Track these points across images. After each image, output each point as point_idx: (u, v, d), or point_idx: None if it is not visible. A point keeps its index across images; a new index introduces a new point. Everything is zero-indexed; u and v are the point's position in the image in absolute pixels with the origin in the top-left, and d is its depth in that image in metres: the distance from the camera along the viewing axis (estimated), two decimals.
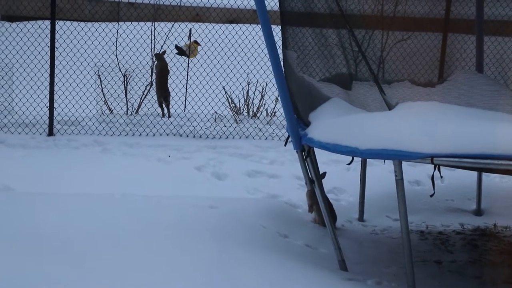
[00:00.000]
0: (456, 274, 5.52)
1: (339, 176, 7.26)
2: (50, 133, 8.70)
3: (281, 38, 5.70)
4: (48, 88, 8.95)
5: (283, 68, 5.41)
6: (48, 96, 8.91)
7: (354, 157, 5.50)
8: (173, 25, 10.67)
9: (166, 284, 4.24)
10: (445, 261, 5.77)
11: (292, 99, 5.37)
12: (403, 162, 4.75)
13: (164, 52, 9.83)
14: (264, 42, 5.32)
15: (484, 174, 7.05)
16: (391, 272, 5.40)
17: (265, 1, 5.39)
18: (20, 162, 7.39)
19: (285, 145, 5.78)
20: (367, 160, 6.56)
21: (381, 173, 7.06)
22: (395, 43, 6.96)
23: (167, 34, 10.49)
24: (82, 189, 6.47)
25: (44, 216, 5.29)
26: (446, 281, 5.35)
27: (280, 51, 5.51)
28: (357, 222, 6.62)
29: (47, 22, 9.53)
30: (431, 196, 5.51)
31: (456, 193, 7.29)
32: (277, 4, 5.80)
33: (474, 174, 6.92)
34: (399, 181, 4.69)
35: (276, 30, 5.73)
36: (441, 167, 5.74)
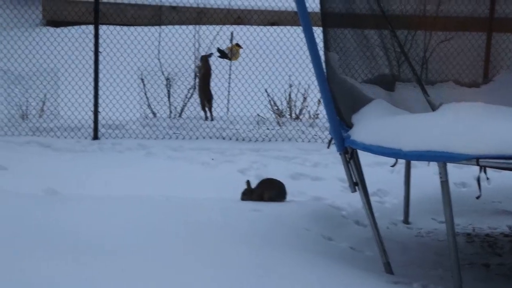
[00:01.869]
0: (504, 277, 5.44)
1: (383, 178, 7.22)
2: (95, 137, 8.81)
3: (322, 40, 5.69)
4: (92, 92, 9.07)
5: (325, 70, 5.39)
6: (92, 101, 9.03)
7: (398, 159, 5.46)
8: (218, 30, 10.72)
9: (208, 286, 4.26)
10: (492, 264, 5.69)
11: (334, 101, 5.35)
12: (448, 163, 4.71)
13: (211, 54, 9.89)
14: (306, 44, 5.32)
15: None
16: (438, 275, 5.34)
17: (306, 3, 5.38)
18: (66, 166, 7.50)
19: (328, 147, 5.77)
20: (412, 161, 6.51)
21: (426, 174, 7.00)
22: (438, 43, 6.91)
23: (209, 37, 10.54)
24: (126, 192, 6.54)
25: (89, 219, 5.35)
26: (493, 284, 5.28)
27: (321, 53, 5.50)
28: (402, 224, 6.57)
29: (91, 27, 9.66)
30: (477, 198, 5.44)
31: (503, 195, 7.20)
32: (318, 5, 5.79)
33: None
34: (444, 183, 4.64)
35: (318, 32, 5.73)
36: (487, 168, 5.67)
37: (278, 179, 6.79)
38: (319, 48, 5.34)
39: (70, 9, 13.17)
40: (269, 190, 6.63)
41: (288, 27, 11.18)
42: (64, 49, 10.13)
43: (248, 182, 6.67)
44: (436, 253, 5.82)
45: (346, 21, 6.00)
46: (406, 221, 6.59)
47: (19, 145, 8.29)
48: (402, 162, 6.40)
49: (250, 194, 6.66)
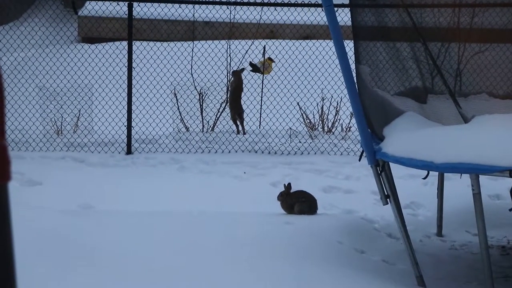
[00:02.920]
0: None
1: (416, 190, 7.21)
2: (128, 151, 8.90)
3: (354, 53, 5.71)
4: (126, 107, 9.17)
5: (356, 82, 5.42)
6: (126, 115, 9.13)
7: (430, 171, 5.46)
8: (250, 44, 10.79)
9: None
10: None
11: (365, 114, 5.37)
12: (482, 175, 4.70)
13: (243, 69, 9.95)
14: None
15: None
16: None
17: (338, 17, 5.42)
18: (100, 180, 7.58)
19: (359, 160, 5.78)
20: (445, 174, 6.50)
21: (459, 187, 6.96)
22: (472, 55, 6.88)
23: (241, 51, 10.62)
24: (160, 207, 6.60)
25: (123, 234, 5.41)
26: None
27: (353, 66, 5.53)
28: (435, 237, 6.54)
29: (125, 43, 9.78)
30: (511, 210, 5.41)
31: None
32: (350, 19, 5.82)
33: None
34: (477, 195, 4.64)
35: (350, 45, 5.76)
36: None
37: (310, 192, 6.81)
38: (350, 61, 5.38)
39: (104, 26, 13.35)
40: (300, 203, 6.65)
41: (321, 40, 11.21)
42: (98, 65, 10.26)
43: (288, 185, 6.69)
44: (469, 267, 5.79)
45: (377, 34, 6.02)
46: (439, 234, 6.56)
47: (54, 160, 8.40)
48: (435, 174, 6.38)
49: (285, 196, 6.68)
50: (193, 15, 12.05)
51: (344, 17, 9.19)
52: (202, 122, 9.74)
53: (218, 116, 9.80)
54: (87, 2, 14.51)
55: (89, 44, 12.63)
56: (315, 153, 9.00)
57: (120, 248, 5.02)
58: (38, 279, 3.91)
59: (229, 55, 10.21)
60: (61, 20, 14.02)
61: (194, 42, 11.05)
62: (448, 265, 5.87)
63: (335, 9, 5.32)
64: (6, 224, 1.57)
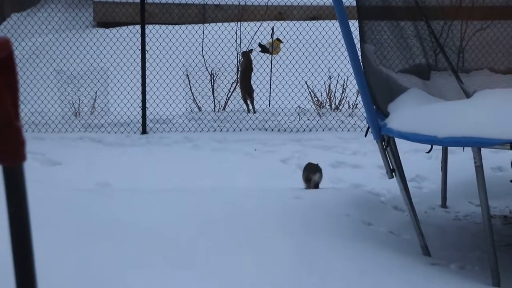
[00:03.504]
0: None
1: (420, 164, 7.20)
2: (143, 131, 8.93)
3: (358, 32, 5.69)
4: (140, 89, 9.18)
5: (361, 61, 5.40)
6: (140, 97, 9.15)
7: (434, 146, 5.45)
8: (259, 26, 10.76)
9: (256, 269, 4.32)
10: None
11: (371, 91, 5.36)
12: (483, 148, 4.69)
13: (252, 50, 9.94)
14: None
15: None
16: (475, 257, 5.33)
17: None
18: (117, 159, 7.62)
19: (365, 135, 5.78)
20: (448, 148, 6.49)
21: (463, 160, 6.95)
22: (474, 32, 6.84)
23: (250, 33, 10.59)
24: (174, 184, 6.63)
25: (141, 211, 5.43)
26: None
27: (358, 45, 5.51)
28: (440, 208, 6.55)
29: (138, 27, 9.77)
30: (511, 181, 5.42)
31: None
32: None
33: None
34: (479, 167, 4.64)
35: (355, 25, 5.73)
36: None
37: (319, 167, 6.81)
38: (356, 41, 5.36)
39: (118, 11, 13.32)
40: (317, 175, 6.63)
41: (327, 21, 11.16)
42: (113, 49, 10.27)
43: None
44: (473, 236, 5.80)
45: (381, 13, 5.99)
46: (443, 205, 6.57)
47: (72, 141, 8.44)
48: (439, 148, 6.37)
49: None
50: None
51: None
52: (214, 102, 9.75)
53: (229, 96, 9.81)
54: None
55: (104, 29, 12.63)
56: (323, 130, 9.00)
57: (136, 222, 5.05)
58: (56, 249, 3.94)
59: (239, 37, 10.19)
60: (76, 6, 14.01)
61: (205, 24, 11.03)
62: (452, 235, 5.88)
63: None
64: (23, 201, 1.58)
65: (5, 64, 1.59)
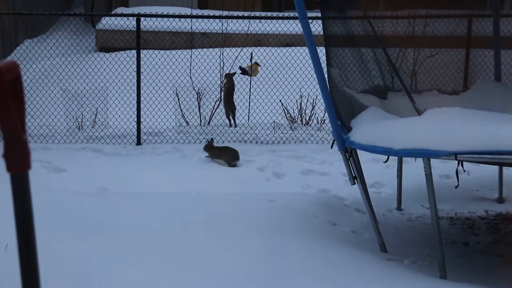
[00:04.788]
0: (481, 253, 5.44)
1: (379, 172, 7.22)
2: (138, 142, 8.88)
3: (325, 57, 5.72)
4: (135, 105, 9.15)
5: (328, 82, 5.43)
6: (136, 112, 9.11)
7: (390, 156, 5.48)
8: (240, 51, 10.77)
9: (232, 261, 4.30)
10: (471, 242, 5.70)
11: (336, 109, 5.38)
12: (432, 159, 4.72)
13: (235, 73, 9.93)
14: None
15: (504, 168, 6.93)
16: (425, 253, 5.36)
17: (312, 27, 5.42)
18: (115, 167, 7.57)
19: (331, 147, 5.80)
20: (403, 158, 6.52)
21: (415, 169, 6.98)
22: (425, 58, 6.91)
23: (232, 57, 10.60)
24: (165, 189, 6.61)
25: (135, 212, 5.40)
26: (472, 259, 5.28)
27: (325, 69, 5.54)
28: (396, 211, 6.58)
29: (134, 52, 9.74)
30: (456, 187, 5.46)
31: (480, 184, 7.18)
32: (322, 29, 5.82)
33: (496, 167, 6.81)
34: (428, 175, 4.67)
35: (323, 51, 5.76)
36: (464, 162, 5.67)
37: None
38: (323, 65, 5.39)
39: (117, 37, 13.29)
40: (225, 155, 7.68)
41: (299, 47, 11.19)
42: (112, 71, 10.23)
43: (211, 140, 7.95)
44: (424, 235, 5.83)
45: (345, 41, 6.03)
46: (399, 208, 6.60)
47: (75, 151, 8.38)
48: (394, 158, 6.40)
49: (210, 148, 7.82)
50: (191, 28, 12.01)
51: (318, 27, 9.17)
52: (200, 117, 9.73)
53: (213, 112, 9.80)
54: (103, 18, 14.46)
55: (105, 53, 12.58)
56: (295, 142, 9.01)
57: (130, 223, 5.02)
58: (58, 248, 3.90)
59: (222, 61, 10.20)
60: (81, 33, 13.95)
61: (193, 50, 11.02)
62: (406, 233, 5.91)
63: (309, 21, 5.32)
64: (27, 205, 1.58)
65: (13, 84, 1.59)
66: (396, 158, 6.43)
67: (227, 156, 7.72)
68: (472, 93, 6.33)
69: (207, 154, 7.83)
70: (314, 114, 9.70)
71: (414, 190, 6.77)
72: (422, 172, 4.78)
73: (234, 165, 7.65)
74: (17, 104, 1.58)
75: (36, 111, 9.36)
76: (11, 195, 1.59)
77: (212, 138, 8.04)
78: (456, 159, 4.58)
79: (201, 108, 9.79)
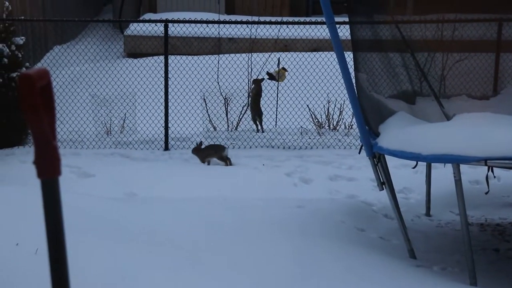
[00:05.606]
0: None
1: (408, 178, 7.18)
2: (166, 148, 8.94)
3: (353, 62, 5.70)
4: (163, 111, 9.21)
5: (355, 88, 5.41)
6: (163, 118, 9.17)
7: (418, 162, 5.44)
8: (268, 56, 10.79)
9: (263, 266, 4.30)
10: (502, 249, 5.62)
11: (364, 114, 5.36)
12: (461, 164, 4.68)
13: (263, 79, 9.97)
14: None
15: None
16: (455, 259, 5.30)
17: (339, 32, 5.40)
18: (143, 173, 7.62)
19: (359, 153, 5.77)
20: (432, 163, 6.47)
21: (444, 174, 6.94)
22: (454, 63, 6.85)
23: (259, 63, 10.62)
24: (192, 194, 6.63)
25: (163, 217, 5.43)
26: (503, 266, 5.21)
27: (353, 74, 5.52)
28: (425, 217, 6.52)
29: (162, 57, 9.82)
30: (486, 193, 5.39)
31: (511, 190, 7.09)
32: (350, 34, 5.81)
33: None
34: (458, 181, 4.62)
35: (350, 56, 5.74)
36: (494, 168, 5.60)
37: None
38: (350, 70, 5.37)
39: (145, 43, 13.39)
40: (211, 155, 7.92)
41: (326, 52, 11.18)
42: (140, 76, 10.32)
43: (200, 143, 8.05)
44: (453, 241, 5.77)
45: (372, 46, 6.00)
46: (428, 214, 6.54)
47: (104, 156, 8.46)
48: (423, 164, 6.35)
49: (198, 151, 8.00)
50: (219, 33, 12.06)
51: (345, 32, 9.15)
52: (227, 122, 9.76)
53: (240, 117, 9.82)
54: (131, 24, 14.60)
55: (133, 59, 12.69)
56: (323, 148, 8.99)
57: (158, 228, 5.04)
58: (87, 251, 3.94)
59: (250, 66, 10.22)
60: (109, 39, 14.10)
61: (220, 55, 11.07)
62: (435, 240, 5.85)
63: (337, 26, 5.31)
64: (58, 210, 1.59)
65: (44, 90, 1.61)
66: (425, 163, 6.38)
67: (217, 151, 7.95)
68: (502, 98, 6.26)
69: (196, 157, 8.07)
70: (341, 119, 9.67)
71: (443, 196, 6.71)
72: (451, 178, 4.73)
73: (228, 159, 7.83)
74: (48, 111, 1.60)
75: (65, 117, 9.47)
76: (41, 200, 1.61)
77: (201, 141, 8.22)
78: (486, 164, 4.52)
79: (228, 114, 9.82)
